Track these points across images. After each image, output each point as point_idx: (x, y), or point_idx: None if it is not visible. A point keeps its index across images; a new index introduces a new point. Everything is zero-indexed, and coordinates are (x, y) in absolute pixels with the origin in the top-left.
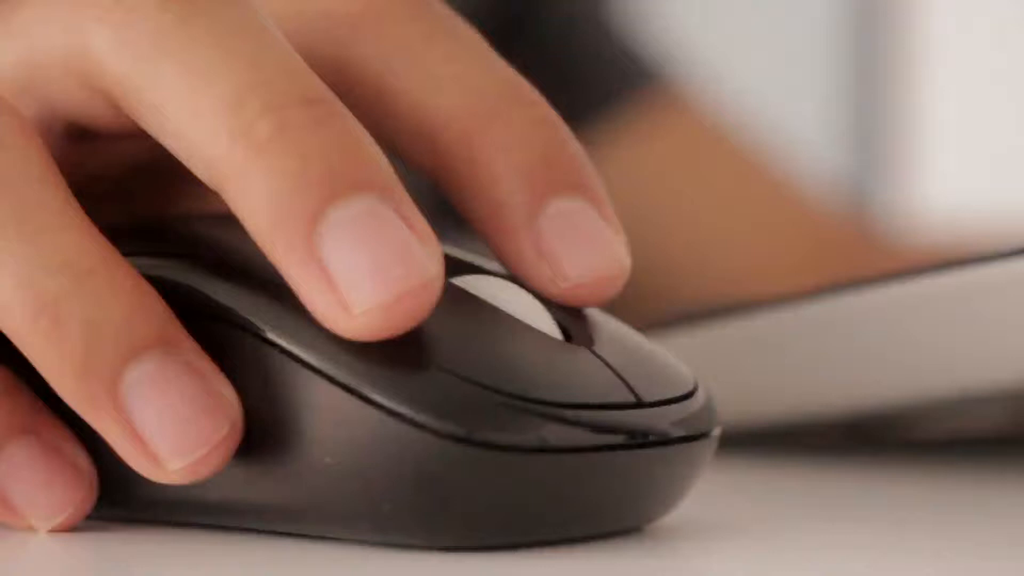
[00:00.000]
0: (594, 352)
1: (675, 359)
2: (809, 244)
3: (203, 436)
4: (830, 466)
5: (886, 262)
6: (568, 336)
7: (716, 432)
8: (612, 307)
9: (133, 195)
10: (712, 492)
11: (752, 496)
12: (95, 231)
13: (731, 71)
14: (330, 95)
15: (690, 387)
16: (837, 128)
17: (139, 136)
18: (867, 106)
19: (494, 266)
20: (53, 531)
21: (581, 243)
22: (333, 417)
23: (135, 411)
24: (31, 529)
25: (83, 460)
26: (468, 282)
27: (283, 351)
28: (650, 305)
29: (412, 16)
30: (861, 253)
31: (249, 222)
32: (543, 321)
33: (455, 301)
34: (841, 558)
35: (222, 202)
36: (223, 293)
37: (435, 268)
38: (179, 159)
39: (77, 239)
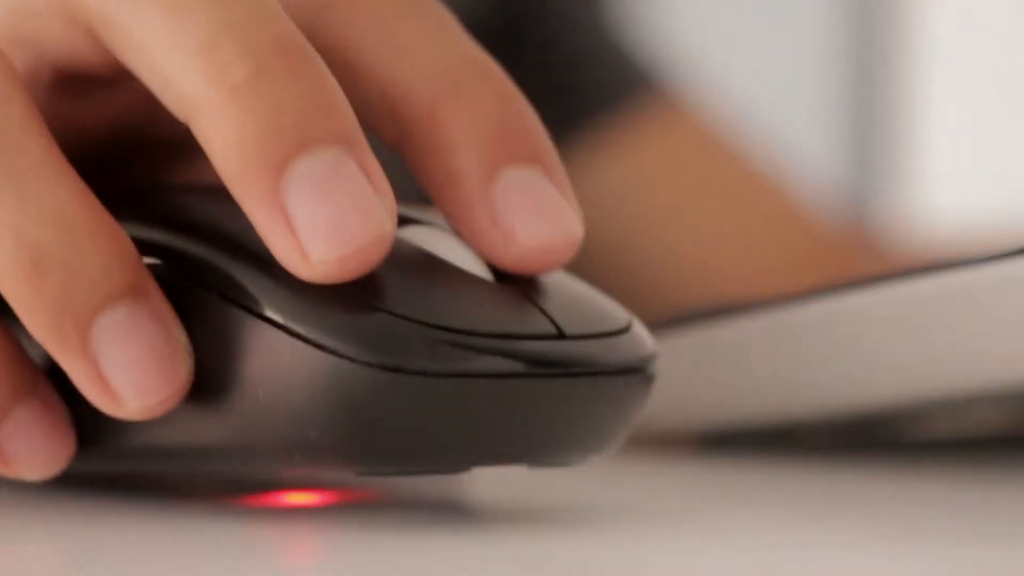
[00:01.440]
0: (522, 292)
1: (612, 302)
2: (806, 249)
3: (162, 382)
4: (829, 466)
5: (883, 267)
6: (501, 281)
7: (650, 370)
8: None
9: (120, 160)
10: (709, 491)
11: (745, 494)
12: (76, 178)
13: (729, 74)
14: (303, 41)
15: (622, 325)
16: (835, 132)
17: (124, 85)
18: (865, 110)
19: (433, 218)
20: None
21: (534, 211)
22: (266, 354)
23: (103, 355)
24: (19, 478)
25: (67, 416)
26: (406, 232)
27: (220, 294)
28: (648, 306)
29: None
30: (858, 258)
31: (217, 161)
32: (476, 267)
33: (392, 248)
34: (813, 555)
35: (211, 172)
36: (169, 238)
37: (390, 222)
38: (152, 91)
39: (59, 186)
